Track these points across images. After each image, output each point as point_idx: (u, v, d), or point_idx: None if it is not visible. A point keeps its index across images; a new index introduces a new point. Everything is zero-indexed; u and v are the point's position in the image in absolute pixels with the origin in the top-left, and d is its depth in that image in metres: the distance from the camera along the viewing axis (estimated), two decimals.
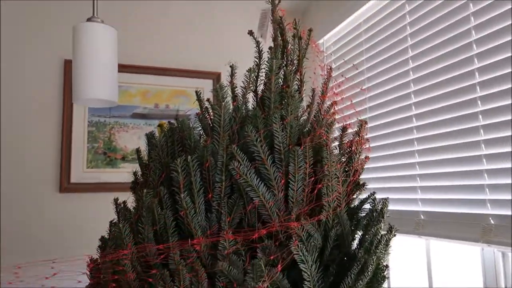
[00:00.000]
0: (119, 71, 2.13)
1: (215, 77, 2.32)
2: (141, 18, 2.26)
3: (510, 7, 1.20)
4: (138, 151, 1.17)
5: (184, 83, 2.27)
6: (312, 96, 1.15)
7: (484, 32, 1.29)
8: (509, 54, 1.20)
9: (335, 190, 0.85)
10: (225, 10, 2.44)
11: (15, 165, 1.95)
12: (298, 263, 0.71)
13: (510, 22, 1.20)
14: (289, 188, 0.80)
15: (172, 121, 1.16)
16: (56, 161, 2.01)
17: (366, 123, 0.95)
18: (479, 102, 1.30)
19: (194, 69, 2.30)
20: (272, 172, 0.80)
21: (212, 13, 2.41)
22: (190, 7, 2.37)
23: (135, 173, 1.23)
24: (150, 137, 1.11)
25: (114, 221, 1.08)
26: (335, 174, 0.85)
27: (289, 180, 0.80)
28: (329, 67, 1.10)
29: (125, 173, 2.10)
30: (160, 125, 1.13)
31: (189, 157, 0.83)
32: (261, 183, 0.79)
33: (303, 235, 0.75)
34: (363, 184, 0.99)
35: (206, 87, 2.30)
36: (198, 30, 2.37)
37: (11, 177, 1.94)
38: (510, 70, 1.19)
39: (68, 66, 2.05)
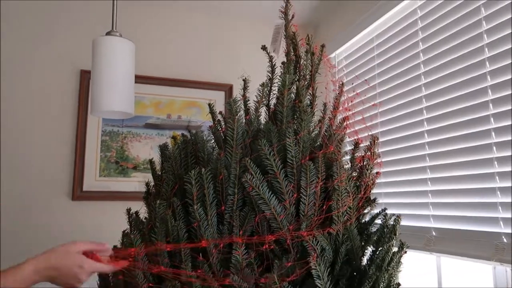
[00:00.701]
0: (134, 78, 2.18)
1: (227, 89, 2.35)
2: (155, 30, 2.31)
3: None
4: (151, 162, 1.19)
5: (196, 95, 2.30)
6: (323, 110, 1.16)
7: (497, 50, 1.29)
8: None
9: (345, 204, 0.86)
10: (237, 23, 2.47)
11: (28, 172, 1.99)
12: (315, 278, 0.72)
13: None
14: (301, 202, 0.81)
15: (186, 133, 1.18)
16: (70, 169, 2.05)
17: (377, 138, 0.96)
18: (492, 119, 1.30)
19: (207, 81, 2.33)
20: (284, 186, 0.81)
21: (225, 26, 2.45)
22: (203, 19, 2.41)
23: (147, 184, 1.25)
24: (163, 148, 1.13)
25: (127, 231, 1.09)
26: (345, 188, 0.85)
27: (300, 194, 0.81)
28: (341, 83, 1.12)
29: (136, 182, 2.12)
30: (173, 137, 1.15)
31: (203, 169, 0.85)
32: (273, 196, 0.80)
33: (317, 249, 0.76)
34: (374, 200, 1.00)
35: (218, 98, 2.33)
36: (210, 42, 2.40)
37: (24, 184, 1.97)
38: None
39: (84, 76, 2.09)
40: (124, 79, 1.01)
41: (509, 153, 1.23)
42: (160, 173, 1.11)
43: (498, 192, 1.26)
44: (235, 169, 0.86)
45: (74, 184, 2.03)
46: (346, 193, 0.84)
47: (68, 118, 2.08)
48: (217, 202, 0.86)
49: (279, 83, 1.18)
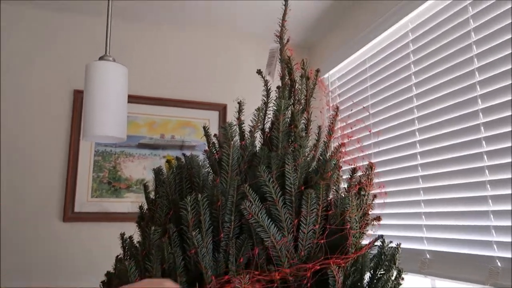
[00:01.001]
0: (127, 102, 2.18)
1: (221, 108, 2.36)
2: (151, 49, 2.32)
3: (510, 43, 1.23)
4: (145, 186, 1.18)
5: (190, 114, 2.31)
6: (318, 134, 1.16)
7: (488, 74, 1.32)
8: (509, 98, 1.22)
9: (358, 237, 0.85)
10: (232, 43, 2.50)
11: (19, 192, 1.96)
12: None
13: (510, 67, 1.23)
14: (300, 231, 0.80)
15: (180, 155, 1.17)
16: (61, 189, 2.02)
17: (374, 166, 0.96)
18: (483, 142, 1.32)
19: (201, 101, 2.33)
20: (283, 214, 0.80)
21: (219, 46, 2.47)
22: (198, 39, 2.43)
23: (141, 207, 1.23)
24: (157, 172, 1.12)
25: (120, 256, 1.07)
26: (355, 219, 0.85)
27: (300, 222, 0.80)
28: (336, 107, 1.12)
29: (129, 202, 2.10)
30: (168, 161, 1.15)
31: (199, 195, 0.84)
32: (272, 224, 0.79)
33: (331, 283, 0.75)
34: (373, 222, 0.99)
35: (212, 118, 2.33)
36: (205, 62, 2.42)
37: (14, 204, 1.94)
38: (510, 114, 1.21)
39: (77, 96, 2.09)
40: (117, 104, 1.01)
41: (501, 176, 1.24)
42: (154, 197, 1.10)
43: (491, 215, 1.27)
44: (233, 196, 0.85)
45: (65, 205, 2.00)
46: (356, 223, 0.84)
47: (61, 138, 2.06)
48: (212, 229, 0.85)
49: (274, 107, 1.19)
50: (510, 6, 1.25)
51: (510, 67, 1.23)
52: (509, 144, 1.23)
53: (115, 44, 2.21)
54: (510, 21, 1.24)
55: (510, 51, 1.23)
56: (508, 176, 1.22)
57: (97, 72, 1.04)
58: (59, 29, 2.17)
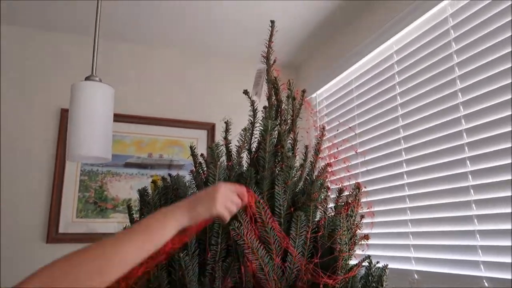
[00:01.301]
0: (114, 121, 2.16)
1: (209, 127, 2.36)
2: (139, 69, 2.32)
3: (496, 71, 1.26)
4: (129, 207, 1.16)
5: (178, 133, 2.30)
6: (305, 154, 1.16)
7: (470, 95, 1.34)
8: (495, 116, 1.24)
9: (346, 259, 0.85)
10: (219, 62, 2.52)
11: (0, 212, 1.91)
12: None
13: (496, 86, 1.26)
14: (289, 253, 0.80)
15: (166, 176, 1.16)
16: (45, 210, 1.98)
17: (362, 186, 0.97)
18: (468, 162, 1.33)
19: (189, 120, 2.33)
20: (271, 236, 0.79)
21: (207, 65, 2.49)
22: (186, 59, 2.44)
23: (125, 228, 1.21)
24: (142, 193, 1.10)
25: None
26: (345, 241, 0.84)
27: (289, 244, 0.80)
28: (322, 127, 1.13)
29: (115, 223, 2.06)
30: (153, 181, 1.13)
31: None
32: (261, 246, 0.78)
33: None
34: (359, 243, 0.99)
35: (200, 137, 2.33)
36: (193, 81, 2.43)
37: None
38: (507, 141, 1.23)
39: (64, 114, 2.07)
40: (102, 124, 1.00)
41: (486, 196, 1.26)
42: (138, 218, 1.08)
43: (478, 235, 1.27)
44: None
45: (49, 226, 1.95)
46: (345, 245, 0.83)
47: (47, 157, 2.03)
48: (199, 252, 0.84)
49: (260, 127, 1.20)
50: (491, 29, 1.28)
51: (493, 87, 1.26)
52: (493, 164, 1.25)
53: (104, 63, 2.22)
54: (492, 43, 1.28)
55: (492, 72, 1.26)
56: (493, 195, 1.24)
57: (82, 92, 1.03)
58: (47, 47, 2.16)
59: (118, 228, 2.23)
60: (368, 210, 1.77)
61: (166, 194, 1.03)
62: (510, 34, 1.22)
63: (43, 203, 1.98)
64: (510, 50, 1.21)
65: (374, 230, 1.75)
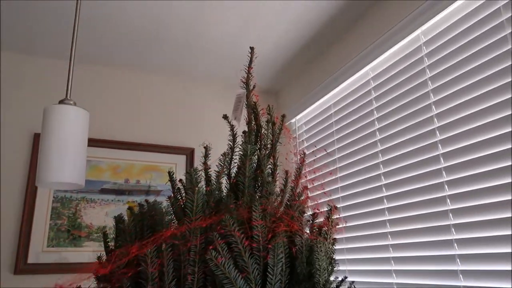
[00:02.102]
0: (90, 145, 2.11)
1: (188, 152, 2.33)
2: (115, 93, 2.29)
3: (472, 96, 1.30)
4: (104, 234, 1.12)
5: (156, 158, 2.26)
6: (285, 179, 1.15)
7: (446, 120, 1.37)
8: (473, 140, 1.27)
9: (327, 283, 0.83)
10: (198, 87, 2.52)
11: None
12: None
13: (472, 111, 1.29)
14: (267, 282, 0.77)
15: (143, 202, 1.12)
16: (14, 238, 1.88)
17: (336, 207, 0.96)
18: (446, 186, 1.35)
19: (168, 145, 2.30)
20: (250, 265, 0.77)
21: (185, 89, 2.48)
22: (164, 84, 2.43)
23: (99, 258, 1.16)
24: (118, 220, 1.06)
25: None
26: (325, 268, 0.82)
27: (267, 273, 0.77)
28: (302, 153, 1.13)
29: (90, 252, 1.98)
30: (129, 208, 1.09)
31: (163, 244, 0.80)
32: (239, 276, 0.75)
33: None
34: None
35: (179, 162, 2.29)
36: (171, 105, 2.41)
37: None
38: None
39: (37, 139, 2.01)
40: (75, 149, 0.97)
41: (464, 220, 1.27)
42: (113, 247, 1.04)
43: (458, 260, 1.27)
44: (196, 245, 0.81)
45: (17, 255, 1.85)
46: (325, 272, 0.81)
47: (17, 182, 1.95)
48: (176, 281, 0.80)
49: (240, 152, 1.18)
50: (465, 56, 1.33)
51: (468, 112, 1.29)
52: (470, 188, 1.26)
53: (79, 87, 2.18)
54: (466, 69, 1.32)
55: (467, 97, 1.30)
56: (471, 219, 1.25)
57: (55, 116, 1.00)
58: (21, 70, 2.12)
59: (93, 257, 2.16)
60: (342, 225, 1.75)
61: (142, 221, 0.99)
62: (482, 62, 1.26)
63: (11, 232, 1.89)
64: (483, 76, 1.25)
65: (356, 256, 1.73)
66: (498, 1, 1.23)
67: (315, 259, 0.82)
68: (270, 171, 1.13)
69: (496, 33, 1.22)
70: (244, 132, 1.19)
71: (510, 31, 1.18)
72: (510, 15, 1.19)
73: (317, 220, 0.98)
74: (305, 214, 0.99)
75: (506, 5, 1.20)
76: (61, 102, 1.03)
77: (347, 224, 1.77)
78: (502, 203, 1.16)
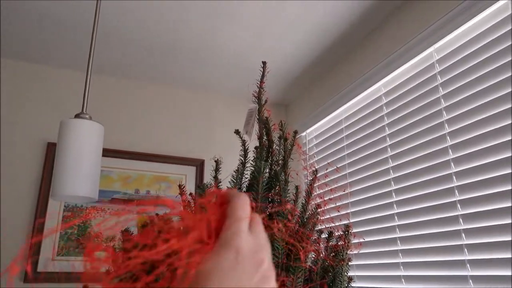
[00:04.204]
0: (102, 155, 2.13)
1: (198, 164, 2.33)
2: (127, 104, 2.32)
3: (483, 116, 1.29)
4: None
5: (166, 169, 2.27)
6: (295, 194, 1.15)
7: (458, 139, 1.36)
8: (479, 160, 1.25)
9: None
10: (209, 99, 2.53)
11: None
12: None
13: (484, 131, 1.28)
14: None
15: (154, 216, 1.13)
16: (24, 247, 1.90)
17: (351, 227, 0.96)
18: (458, 205, 1.33)
19: (178, 156, 2.31)
20: None
21: (196, 100, 2.50)
22: (176, 95, 2.45)
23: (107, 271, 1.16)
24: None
25: None
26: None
27: None
28: (314, 170, 1.12)
29: None
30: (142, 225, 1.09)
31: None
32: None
33: None
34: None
35: (189, 173, 2.30)
36: (182, 117, 2.43)
37: None
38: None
39: (50, 148, 2.04)
40: (90, 163, 0.98)
41: (478, 240, 1.25)
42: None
43: (470, 281, 1.25)
44: None
45: (27, 264, 1.87)
46: None
47: (30, 191, 1.98)
48: None
49: (251, 167, 1.18)
50: (477, 75, 1.32)
51: (479, 132, 1.28)
52: (483, 208, 1.25)
53: (94, 97, 2.21)
54: (479, 88, 1.31)
55: (480, 117, 1.29)
56: (484, 240, 1.23)
57: (71, 130, 1.01)
58: (36, 80, 2.15)
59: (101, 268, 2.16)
60: (357, 252, 1.74)
61: None
62: (494, 82, 1.25)
63: (22, 240, 1.91)
64: (495, 96, 1.24)
65: (367, 273, 1.71)
66: (511, 21, 1.23)
67: (337, 282, 0.81)
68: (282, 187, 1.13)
69: (509, 53, 1.22)
70: (256, 147, 1.20)
71: None
72: None
73: (332, 239, 0.98)
74: (321, 234, 0.99)
75: None
76: (77, 116, 1.05)
77: (358, 240, 1.75)
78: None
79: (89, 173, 0.96)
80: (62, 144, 1.00)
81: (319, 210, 1.03)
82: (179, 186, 1.27)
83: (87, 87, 1.17)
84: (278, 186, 1.05)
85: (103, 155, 2.13)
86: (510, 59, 1.22)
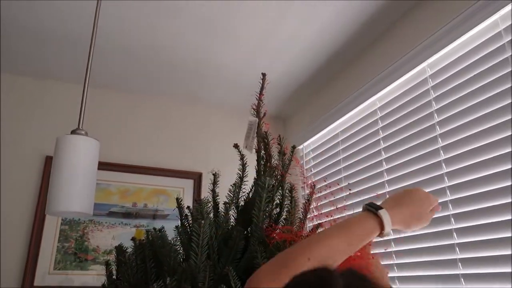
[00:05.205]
0: (100, 169, 2.13)
1: (196, 177, 2.34)
2: (124, 117, 2.34)
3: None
4: (107, 264, 1.12)
5: (164, 182, 2.28)
6: (291, 208, 1.16)
7: (452, 153, 1.38)
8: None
9: None
10: (206, 112, 2.55)
11: None
12: None
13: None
14: None
15: (151, 230, 1.13)
16: (21, 260, 1.90)
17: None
18: (452, 219, 1.35)
19: (175, 169, 2.32)
20: None
21: (194, 114, 2.52)
22: (173, 108, 2.47)
23: (103, 286, 1.16)
24: (118, 252, 1.07)
25: None
26: None
27: None
28: (312, 185, 1.14)
29: (94, 275, 1.98)
30: (133, 239, 1.10)
31: (168, 279, 0.80)
32: None
33: None
34: None
35: (186, 186, 2.31)
36: (179, 130, 2.45)
37: None
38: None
39: (48, 162, 2.05)
40: (85, 179, 0.99)
41: (471, 255, 1.26)
42: (116, 276, 1.05)
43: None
44: (203, 282, 0.82)
45: (24, 278, 1.86)
46: None
47: (27, 204, 1.98)
48: None
49: (249, 181, 1.19)
50: (470, 90, 1.35)
51: (472, 147, 1.30)
52: (476, 222, 1.26)
53: (93, 110, 2.23)
54: (472, 103, 1.33)
55: (473, 131, 1.31)
56: (477, 254, 1.24)
57: (67, 146, 1.02)
58: (36, 94, 2.17)
59: (98, 280, 2.15)
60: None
61: (143, 252, 1.00)
62: (487, 96, 1.28)
63: (19, 254, 1.90)
64: (488, 111, 1.27)
65: None
66: (503, 37, 1.26)
67: None
68: (279, 201, 1.14)
69: (501, 68, 1.25)
70: (257, 161, 1.21)
71: None
72: None
73: None
74: None
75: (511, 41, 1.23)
76: (73, 132, 1.06)
77: None
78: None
79: (84, 188, 0.97)
80: (57, 160, 1.01)
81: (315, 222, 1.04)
82: (177, 199, 1.28)
83: (83, 103, 1.19)
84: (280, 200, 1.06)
85: (102, 169, 2.12)
86: (501, 74, 1.24)
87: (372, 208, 0.67)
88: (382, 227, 0.66)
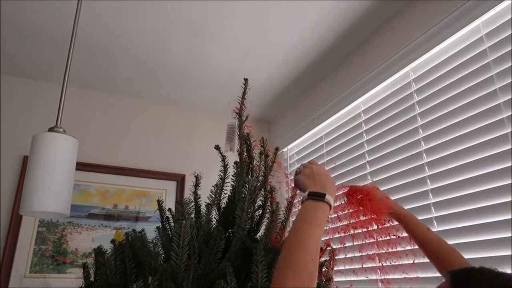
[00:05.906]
0: (79, 169, 2.09)
1: (179, 179, 2.31)
2: (106, 118, 2.29)
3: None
4: (85, 266, 1.09)
5: (146, 184, 2.24)
6: (272, 211, 1.14)
7: (434, 156, 1.39)
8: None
9: None
10: (190, 115, 2.53)
11: None
12: None
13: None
14: None
15: (130, 232, 1.10)
16: None
17: (335, 252, 0.97)
18: (434, 222, 1.35)
19: (158, 170, 2.29)
20: None
21: (177, 115, 2.49)
22: (156, 110, 2.44)
23: None
24: (97, 254, 1.03)
25: None
26: None
27: None
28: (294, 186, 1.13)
29: (72, 279, 1.93)
30: (112, 241, 1.07)
31: (150, 278, 0.78)
32: None
33: None
34: None
35: (169, 188, 2.27)
36: (162, 132, 2.41)
37: None
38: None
39: (26, 162, 1.99)
40: (62, 178, 0.96)
41: None
42: (93, 279, 1.01)
43: None
44: (187, 283, 0.79)
45: None
46: None
47: (4, 205, 1.92)
48: None
49: (232, 183, 1.18)
50: (453, 94, 1.36)
51: (454, 150, 1.31)
52: (458, 225, 1.27)
53: (70, 110, 2.18)
54: (454, 107, 1.35)
55: (456, 134, 1.32)
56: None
57: (43, 144, 0.99)
58: (12, 93, 2.11)
59: (76, 283, 2.10)
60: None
61: (122, 252, 0.97)
62: (469, 100, 1.29)
63: None
64: (471, 114, 1.28)
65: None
66: (485, 42, 1.27)
67: None
68: (261, 203, 1.13)
69: (483, 73, 1.26)
70: (235, 162, 1.19)
71: (495, 72, 1.22)
72: (496, 56, 1.23)
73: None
74: None
75: (492, 47, 1.25)
76: (50, 129, 1.03)
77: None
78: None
79: (60, 188, 0.94)
80: (33, 159, 0.98)
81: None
82: (158, 201, 1.26)
83: (62, 101, 1.15)
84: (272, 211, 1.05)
85: (82, 169, 2.08)
86: (483, 78, 1.26)
87: (319, 198, 0.75)
88: (330, 207, 0.77)
